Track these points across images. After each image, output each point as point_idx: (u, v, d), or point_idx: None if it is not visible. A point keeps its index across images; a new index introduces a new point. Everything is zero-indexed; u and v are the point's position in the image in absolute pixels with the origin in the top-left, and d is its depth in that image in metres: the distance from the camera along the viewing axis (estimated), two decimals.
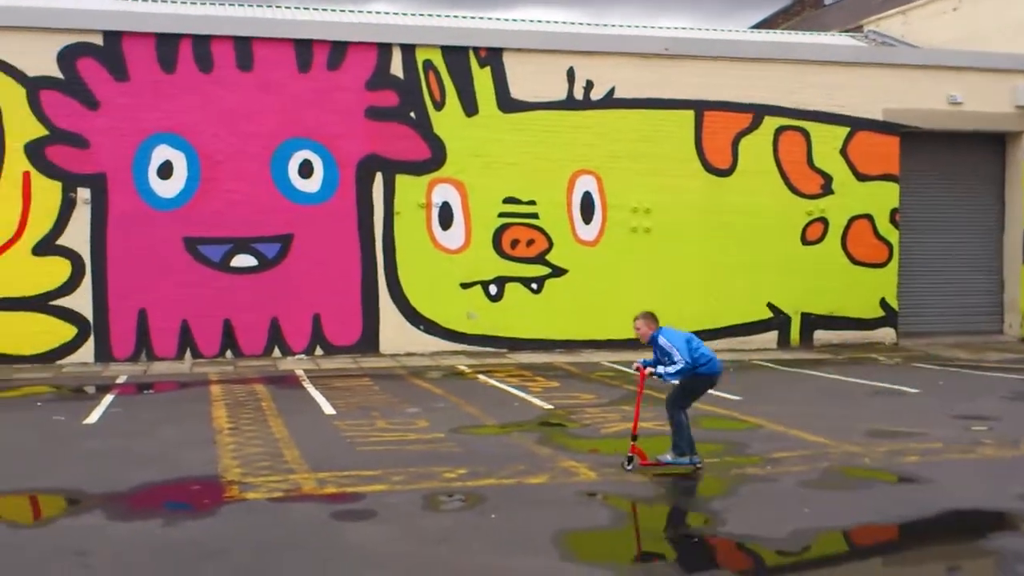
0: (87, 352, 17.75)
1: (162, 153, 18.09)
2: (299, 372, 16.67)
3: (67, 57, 17.68)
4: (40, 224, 17.62)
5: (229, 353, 18.35)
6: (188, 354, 18.18)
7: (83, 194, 17.78)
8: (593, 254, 19.95)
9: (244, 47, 18.33)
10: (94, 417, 12.54)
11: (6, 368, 17.00)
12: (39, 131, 17.58)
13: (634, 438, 9.60)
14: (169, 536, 7.64)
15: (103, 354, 17.81)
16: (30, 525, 8.28)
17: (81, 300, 17.77)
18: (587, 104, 19.85)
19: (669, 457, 9.58)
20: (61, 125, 17.67)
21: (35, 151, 17.57)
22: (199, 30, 18.19)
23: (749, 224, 20.58)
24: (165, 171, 18.11)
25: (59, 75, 17.64)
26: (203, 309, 18.15)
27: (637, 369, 9.69)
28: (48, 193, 17.64)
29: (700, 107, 20.42)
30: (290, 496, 8.68)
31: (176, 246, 18.11)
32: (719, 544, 7.60)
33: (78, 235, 17.76)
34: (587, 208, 19.93)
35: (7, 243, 17.49)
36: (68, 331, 17.71)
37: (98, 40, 17.82)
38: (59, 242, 17.70)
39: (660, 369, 9.39)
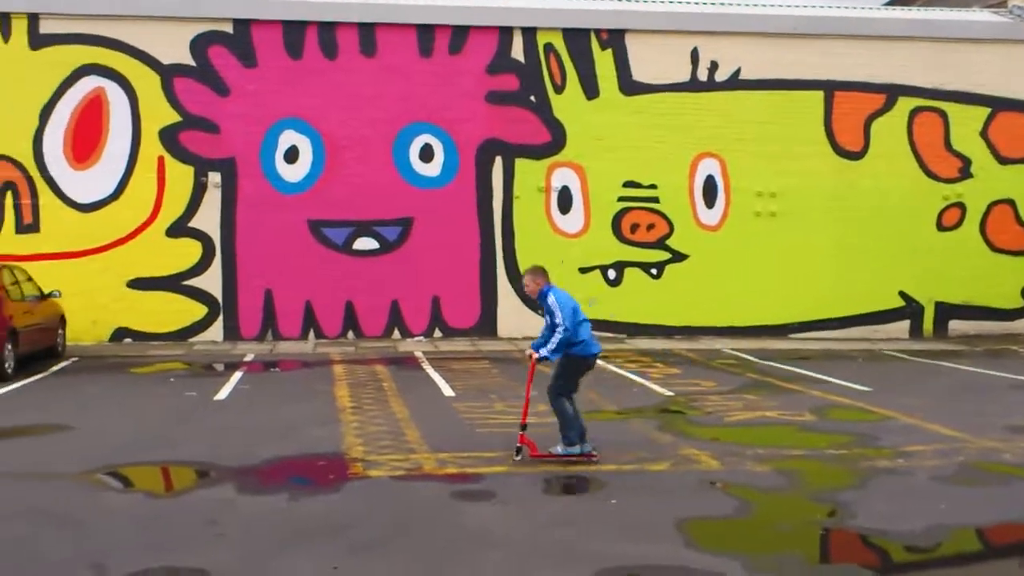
0: (216, 331, 18.31)
1: (288, 138, 18.48)
2: (418, 354, 16.83)
3: (199, 45, 18.22)
4: (173, 207, 18.24)
5: (351, 334, 18.68)
6: (311, 334, 18.57)
7: (214, 178, 18.33)
8: (715, 239, 19.58)
9: (368, 33, 18.56)
10: (224, 393, 12.93)
11: (142, 345, 17.70)
12: (173, 117, 18.17)
13: (523, 428, 9.21)
14: (296, 510, 7.77)
15: (231, 333, 18.36)
16: (166, 495, 8.55)
17: (211, 280, 18.33)
18: (711, 85, 19.46)
19: (559, 449, 9.22)
20: (193, 111, 18.22)
21: (169, 136, 18.18)
22: (325, 17, 18.49)
23: (881, 209, 19.85)
24: (291, 155, 18.51)
25: (191, 62, 18.19)
26: (326, 290, 18.51)
27: (530, 356, 9.19)
28: (181, 177, 18.24)
29: (830, 87, 19.78)
30: (412, 475, 8.75)
31: (301, 229, 18.50)
32: (848, 537, 7.31)
33: (209, 218, 18.31)
34: (710, 192, 19.55)
35: (142, 225, 18.15)
36: (199, 310, 18.30)
37: (228, 28, 18.30)
38: (191, 224, 18.29)
39: (543, 351, 8.93)
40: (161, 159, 18.20)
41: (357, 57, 18.57)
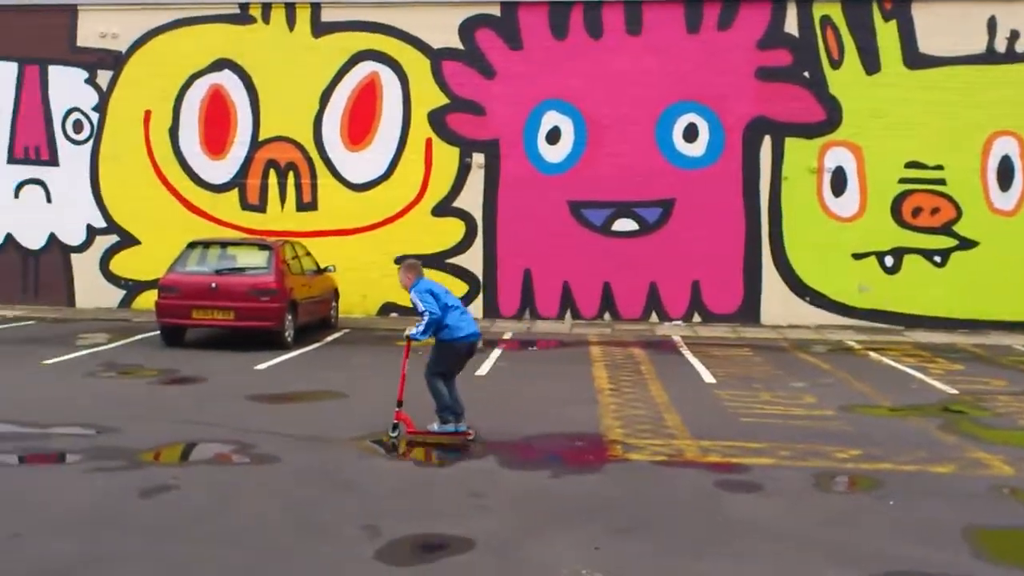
0: (476, 308, 18.69)
1: (551, 119, 18.55)
2: (676, 338, 16.46)
3: (467, 28, 18.60)
4: (439, 187, 18.76)
5: (607, 315, 18.55)
6: (568, 314, 18.59)
7: (478, 159, 18.67)
8: (1011, 225, 17.93)
9: (634, 11, 18.29)
10: (484, 369, 13.12)
11: (406, 319, 18.13)
12: (441, 100, 18.67)
13: (399, 404, 9.18)
14: (556, 487, 7.73)
15: (491, 310, 18.70)
16: (432, 464, 8.73)
17: (473, 259, 18.74)
18: (1011, 57, 17.78)
19: (435, 426, 9.17)
20: (460, 93, 18.64)
21: (437, 118, 18.70)
22: None
23: None
24: (553, 136, 18.56)
25: (460, 46, 18.59)
26: (584, 271, 18.47)
27: (406, 337, 9.26)
28: (447, 158, 18.73)
29: None
30: (673, 461, 8.53)
31: (561, 209, 18.54)
32: None
33: (472, 197, 18.71)
34: (1006, 174, 17.89)
35: (410, 204, 18.81)
36: (460, 288, 18.71)
37: (495, 11, 18.57)
38: (455, 204, 18.74)
39: (410, 330, 9.09)
40: (429, 141, 18.76)
41: (622, 35, 18.34)
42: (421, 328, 8.98)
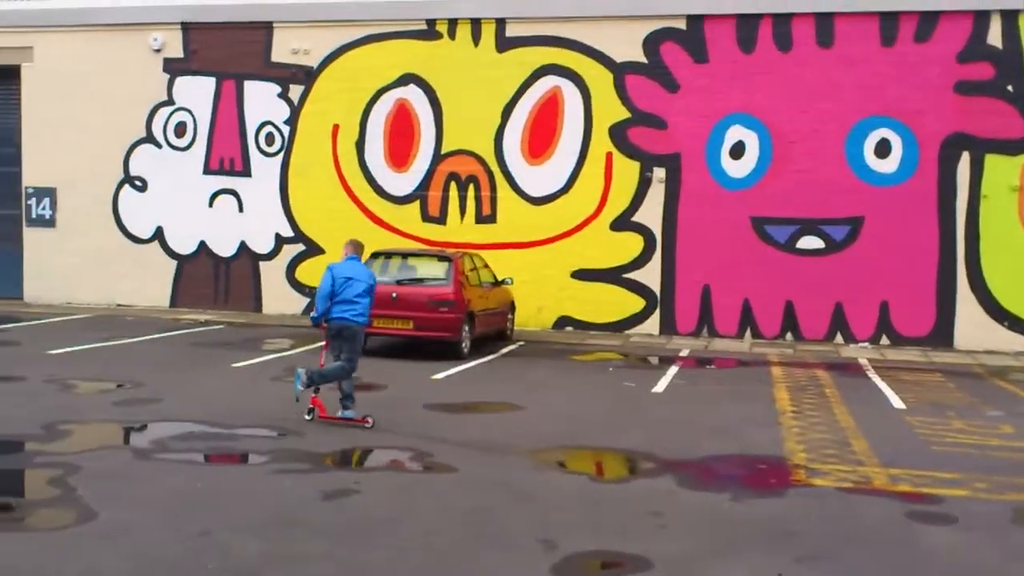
0: (652, 324, 18.46)
1: (735, 133, 18.14)
2: (862, 361, 15.78)
3: (651, 42, 18.41)
4: (618, 201, 18.62)
5: (789, 335, 17.96)
6: (748, 333, 18.11)
7: (659, 173, 18.44)
8: None
9: (825, 23, 17.69)
10: (660, 386, 12.94)
11: (581, 333, 18.31)
12: (622, 114, 18.56)
13: (316, 390, 10.01)
14: (737, 511, 7.51)
15: (667, 327, 18.41)
16: (609, 480, 8.67)
17: (650, 274, 18.50)
18: None
19: (340, 413, 10.01)
20: (642, 107, 18.47)
21: (618, 132, 18.59)
22: (780, 8, 17.85)
23: None
24: (737, 151, 18.15)
25: (643, 60, 18.44)
26: (765, 290, 17.95)
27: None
28: (627, 172, 18.58)
29: None
30: (860, 488, 8.17)
31: (743, 226, 18.09)
32: None
33: (652, 212, 18.48)
34: None
35: (588, 218, 18.75)
36: (637, 303, 18.55)
37: (681, 24, 18.32)
38: (634, 219, 18.57)
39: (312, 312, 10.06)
40: (609, 155, 18.67)
41: (812, 49, 17.75)
42: (313, 312, 10.02)
